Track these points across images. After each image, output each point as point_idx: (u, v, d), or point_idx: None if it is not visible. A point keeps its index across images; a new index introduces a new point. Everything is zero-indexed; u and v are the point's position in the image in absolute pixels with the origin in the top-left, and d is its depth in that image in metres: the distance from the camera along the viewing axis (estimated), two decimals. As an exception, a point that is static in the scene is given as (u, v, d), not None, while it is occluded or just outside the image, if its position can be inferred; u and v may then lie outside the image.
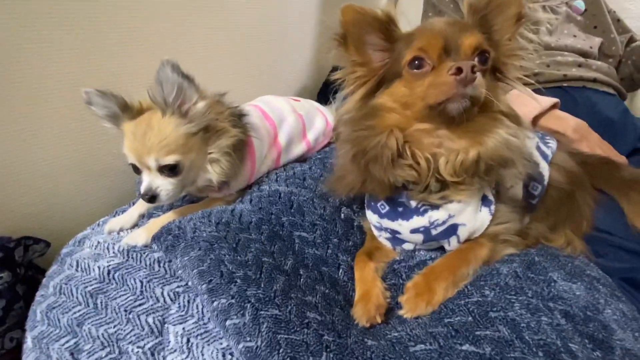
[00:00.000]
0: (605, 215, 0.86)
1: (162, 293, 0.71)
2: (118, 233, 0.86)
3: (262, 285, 0.60)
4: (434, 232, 0.70)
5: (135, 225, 0.89)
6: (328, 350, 0.51)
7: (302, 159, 1.04)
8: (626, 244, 0.82)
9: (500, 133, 0.63)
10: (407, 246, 0.76)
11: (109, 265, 0.76)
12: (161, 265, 0.75)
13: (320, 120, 1.10)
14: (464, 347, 0.53)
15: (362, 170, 0.69)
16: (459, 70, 0.55)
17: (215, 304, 0.60)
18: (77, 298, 0.72)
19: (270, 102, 1.02)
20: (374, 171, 0.67)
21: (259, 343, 0.52)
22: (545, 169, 0.82)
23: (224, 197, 0.89)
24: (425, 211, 0.69)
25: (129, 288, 0.72)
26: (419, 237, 0.71)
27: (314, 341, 0.52)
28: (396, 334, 0.56)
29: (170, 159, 0.75)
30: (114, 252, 0.79)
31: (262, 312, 0.56)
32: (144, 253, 0.77)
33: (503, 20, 0.66)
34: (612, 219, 0.86)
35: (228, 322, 0.56)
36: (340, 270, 0.69)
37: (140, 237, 0.79)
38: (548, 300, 0.61)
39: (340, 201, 0.84)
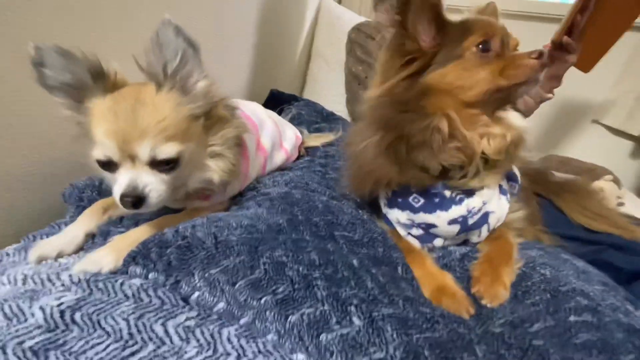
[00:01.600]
0: (547, 214, 1.01)
1: (165, 331, 0.48)
2: (56, 260, 0.57)
3: (354, 284, 0.47)
4: (470, 221, 0.69)
5: (81, 249, 0.61)
6: (479, 343, 0.42)
7: (281, 169, 0.92)
8: (574, 234, 0.96)
9: (519, 119, 0.69)
10: (438, 242, 0.72)
11: (62, 303, 0.49)
12: (151, 293, 0.52)
13: (290, 130, 1.01)
14: (571, 319, 0.51)
15: (401, 159, 0.64)
16: (541, 55, 0.59)
17: (293, 318, 0.43)
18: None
19: (245, 104, 0.89)
20: (419, 157, 0.63)
21: (391, 351, 0.39)
22: (515, 169, 0.92)
23: (212, 207, 0.70)
24: (462, 200, 0.68)
25: (108, 332, 0.47)
26: (455, 229, 0.69)
27: (456, 336, 0.42)
28: (502, 321, 0.51)
29: (169, 148, 0.56)
30: (63, 285, 0.52)
31: (375, 314, 0.43)
32: (116, 281, 0.53)
33: None
34: (553, 217, 1.01)
35: (328, 336, 0.41)
36: (399, 269, 0.60)
37: (106, 259, 0.55)
38: (583, 273, 0.66)
39: (356, 203, 0.77)
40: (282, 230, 0.58)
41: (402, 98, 0.64)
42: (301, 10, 1.80)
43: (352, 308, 0.43)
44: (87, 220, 0.63)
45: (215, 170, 0.63)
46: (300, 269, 0.48)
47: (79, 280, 0.52)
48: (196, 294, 0.51)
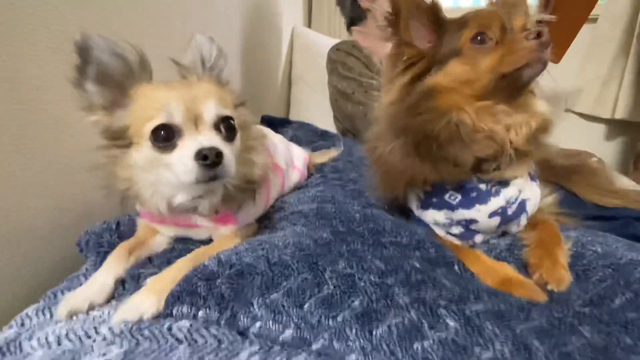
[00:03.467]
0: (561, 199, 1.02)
1: (231, 372, 0.43)
2: (87, 313, 0.51)
3: (433, 286, 0.44)
4: (509, 211, 0.67)
5: (112, 298, 0.55)
6: (581, 324, 0.39)
7: (298, 188, 0.89)
8: (592, 214, 0.97)
9: (544, 105, 0.70)
10: (478, 238, 0.70)
11: (109, 359, 0.43)
12: (204, 333, 0.47)
13: (298, 150, 0.99)
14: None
15: (433, 155, 0.63)
16: (539, 35, 0.59)
17: (380, 331, 0.40)
18: None
19: (252, 126, 0.87)
20: (451, 152, 0.62)
21: (499, 347, 0.36)
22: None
23: (241, 232, 0.66)
24: (498, 191, 0.67)
25: (167, 384, 0.42)
26: (496, 221, 0.68)
27: (557, 321, 0.39)
28: (580, 302, 0.49)
29: (229, 112, 0.57)
30: (105, 339, 0.46)
31: (468, 312, 0.40)
32: (162, 326, 0.48)
33: None
34: (567, 200, 1.02)
35: (424, 343, 0.37)
36: (456, 267, 0.57)
37: (146, 303, 0.50)
38: (630, 244, 0.66)
39: (385, 209, 0.74)
40: (331, 244, 0.54)
41: (412, 102, 0.63)
42: (277, 38, 1.82)
43: (442, 310, 0.40)
44: (114, 265, 0.57)
45: (255, 163, 0.63)
46: (372, 278, 0.44)
47: (121, 332, 0.47)
48: (257, 324, 0.46)
